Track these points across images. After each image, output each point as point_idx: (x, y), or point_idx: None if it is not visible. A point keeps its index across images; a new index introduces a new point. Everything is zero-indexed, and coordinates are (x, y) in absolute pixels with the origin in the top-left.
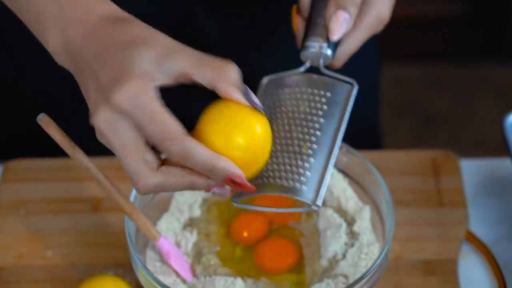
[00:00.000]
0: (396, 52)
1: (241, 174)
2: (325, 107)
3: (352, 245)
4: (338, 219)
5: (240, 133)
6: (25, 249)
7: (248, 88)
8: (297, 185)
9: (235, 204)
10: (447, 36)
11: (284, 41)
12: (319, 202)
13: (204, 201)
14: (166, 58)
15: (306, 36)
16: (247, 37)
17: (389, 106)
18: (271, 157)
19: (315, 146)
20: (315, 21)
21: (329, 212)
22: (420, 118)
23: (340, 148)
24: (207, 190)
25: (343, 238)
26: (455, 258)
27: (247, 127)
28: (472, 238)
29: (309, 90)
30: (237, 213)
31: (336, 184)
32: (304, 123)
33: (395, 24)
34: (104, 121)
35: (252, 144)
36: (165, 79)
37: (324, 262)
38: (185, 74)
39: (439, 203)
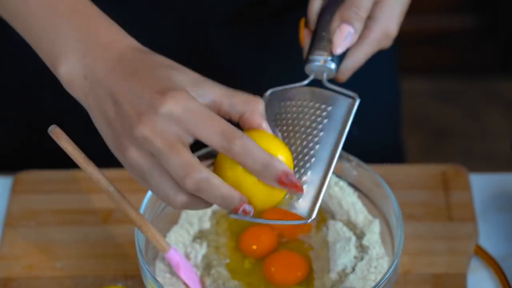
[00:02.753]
0: (406, 65)
1: (291, 171)
2: (325, 120)
3: (362, 258)
4: (347, 232)
5: None
6: (35, 260)
7: None
8: (293, 198)
9: (231, 216)
10: (458, 50)
11: (297, 63)
12: (313, 215)
13: (214, 213)
14: (199, 85)
15: (310, 49)
16: (260, 58)
17: None
18: None
19: (313, 159)
20: (321, 35)
21: (339, 225)
22: (430, 132)
23: (350, 161)
24: (235, 210)
25: (353, 251)
26: (464, 272)
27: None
28: (481, 253)
29: (311, 103)
30: (247, 226)
31: (346, 198)
32: (304, 136)
33: (406, 37)
34: (151, 128)
35: None
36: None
37: (333, 276)
38: (216, 103)
39: (449, 217)
